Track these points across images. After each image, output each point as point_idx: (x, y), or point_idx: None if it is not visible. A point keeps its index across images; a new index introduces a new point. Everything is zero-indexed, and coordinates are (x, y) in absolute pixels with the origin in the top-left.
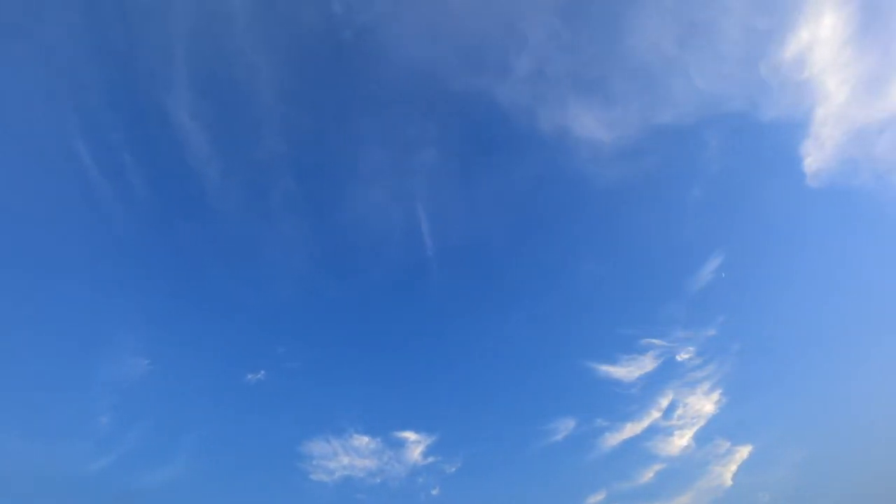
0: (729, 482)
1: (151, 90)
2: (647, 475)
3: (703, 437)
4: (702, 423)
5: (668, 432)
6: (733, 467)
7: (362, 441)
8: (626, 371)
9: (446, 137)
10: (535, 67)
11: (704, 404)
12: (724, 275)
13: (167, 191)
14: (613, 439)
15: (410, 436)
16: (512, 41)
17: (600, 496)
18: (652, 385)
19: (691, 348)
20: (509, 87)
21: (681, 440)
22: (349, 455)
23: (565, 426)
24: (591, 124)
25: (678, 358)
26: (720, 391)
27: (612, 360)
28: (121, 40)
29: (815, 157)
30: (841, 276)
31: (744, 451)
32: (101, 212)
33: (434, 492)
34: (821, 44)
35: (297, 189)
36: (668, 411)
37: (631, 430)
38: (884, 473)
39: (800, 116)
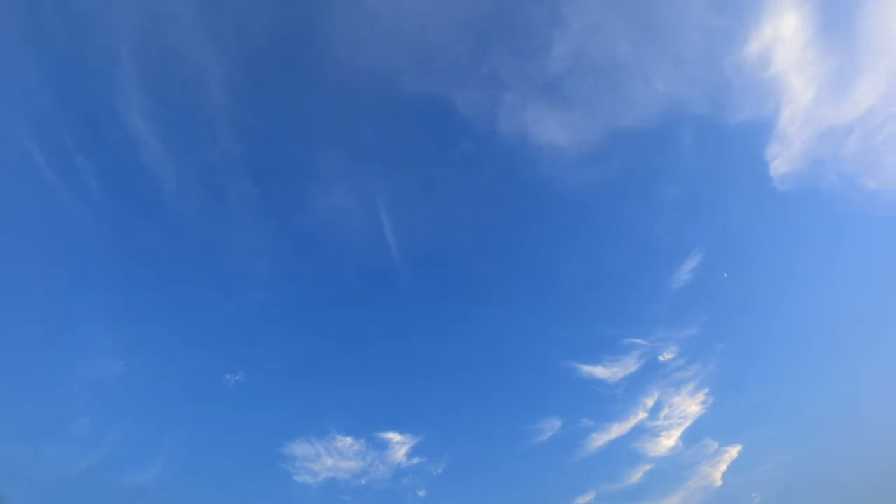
0: (719, 482)
1: (100, 92)
2: (636, 476)
3: (690, 438)
4: (688, 423)
5: (655, 433)
6: (723, 467)
7: (345, 442)
8: (611, 372)
9: (405, 142)
10: (491, 71)
11: (690, 404)
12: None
13: (124, 192)
14: (600, 439)
15: (394, 437)
16: (465, 45)
17: (589, 497)
18: (636, 385)
19: (674, 348)
20: (466, 92)
21: (668, 440)
22: (333, 457)
23: (551, 426)
24: (553, 129)
25: (661, 358)
26: (706, 391)
27: (596, 361)
28: (66, 42)
29: (783, 159)
30: (816, 277)
31: (733, 451)
32: (60, 214)
33: (420, 493)
34: (784, 42)
35: (256, 191)
36: (654, 411)
37: (617, 430)
38: (873, 470)
39: (766, 118)
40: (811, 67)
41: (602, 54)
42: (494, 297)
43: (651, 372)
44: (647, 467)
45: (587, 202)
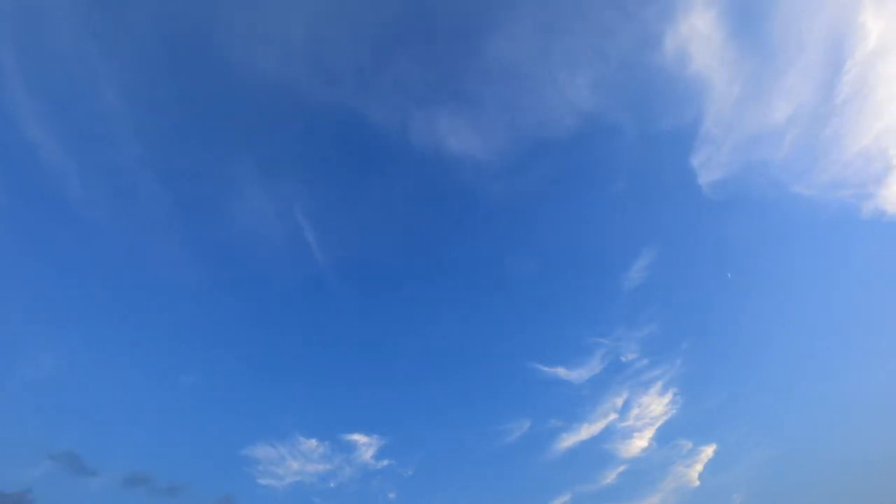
0: (696, 482)
1: None
2: (610, 477)
3: (663, 438)
4: (660, 423)
5: (627, 434)
6: (699, 467)
7: (310, 444)
8: (576, 373)
9: (316, 151)
10: (395, 79)
11: (659, 404)
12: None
13: (25, 198)
14: (570, 440)
15: (360, 438)
16: (365, 53)
17: (565, 498)
18: (603, 386)
19: (636, 347)
20: (371, 100)
21: (640, 441)
22: (297, 459)
23: (520, 427)
24: (471, 139)
25: (624, 358)
26: (674, 390)
27: (559, 362)
28: None
29: (710, 167)
30: (764, 281)
31: (708, 451)
32: None
33: (391, 495)
34: (700, 42)
35: (167, 195)
36: (624, 412)
37: (587, 431)
38: (853, 465)
39: (689, 123)
40: (730, 70)
41: (512, 63)
42: (440, 300)
43: (616, 372)
44: (622, 468)
45: (512, 210)
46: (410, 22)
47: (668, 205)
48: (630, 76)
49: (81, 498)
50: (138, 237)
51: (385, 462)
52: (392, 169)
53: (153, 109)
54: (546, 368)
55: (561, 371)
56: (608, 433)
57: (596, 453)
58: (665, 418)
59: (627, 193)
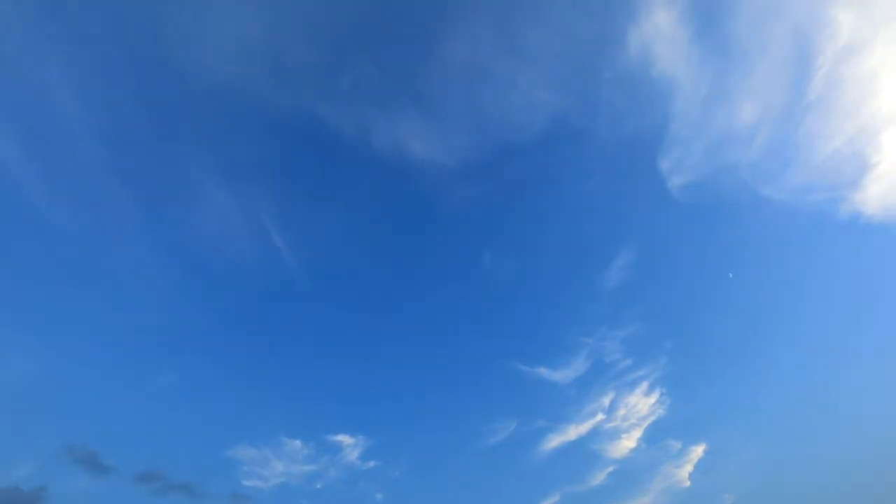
0: (687, 482)
1: None
2: (599, 477)
3: (651, 438)
4: (647, 423)
5: (615, 434)
6: (689, 467)
7: (294, 445)
8: (561, 374)
9: (278, 156)
10: (353, 83)
11: (646, 404)
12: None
13: None
14: (556, 440)
15: (345, 439)
16: (322, 56)
17: (554, 499)
18: (588, 386)
19: (619, 347)
20: (329, 104)
21: (629, 442)
22: (282, 460)
23: (506, 427)
24: (433, 143)
25: (608, 358)
26: (661, 390)
27: (544, 362)
28: None
29: (680, 170)
30: (742, 281)
31: (698, 451)
32: None
33: (378, 496)
34: (663, 44)
35: (130, 198)
36: (610, 413)
37: (575, 431)
38: (845, 463)
39: (657, 125)
40: (696, 71)
41: (472, 64)
42: (419, 302)
43: (601, 373)
44: (610, 469)
45: (483, 213)
46: (367, 24)
47: (640, 207)
48: (594, 76)
49: None
50: (104, 241)
51: (372, 463)
52: (357, 173)
53: (111, 112)
54: (531, 369)
55: (546, 371)
56: (595, 434)
57: (584, 454)
58: (653, 418)
59: (599, 196)
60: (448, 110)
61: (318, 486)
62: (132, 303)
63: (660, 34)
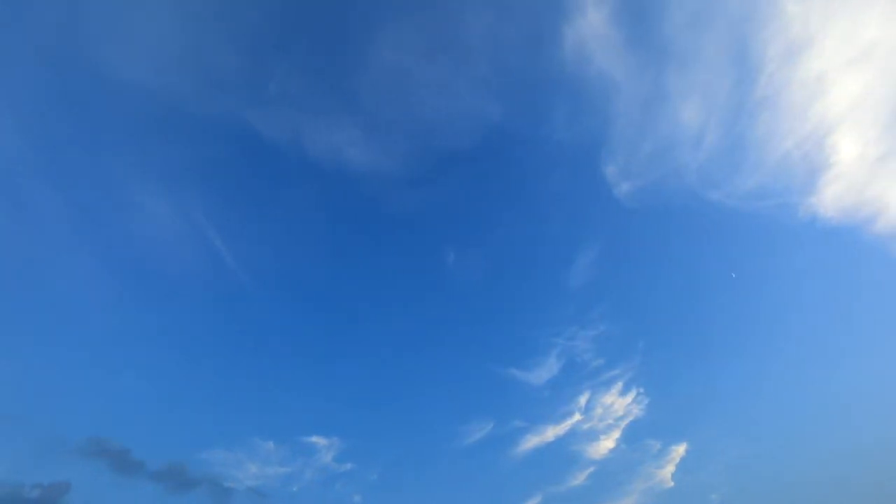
0: (670, 483)
1: None
2: (580, 478)
3: (630, 438)
4: (626, 423)
5: (593, 435)
6: (671, 467)
7: (268, 447)
8: (534, 375)
9: (211, 162)
10: (280, 90)
11: (623, 404)
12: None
13: None
14: (534, 441)
15: (319, 441)
16: (245, 64)
17: (536, 500)
18: (562, 386)
19: (590, 346)
20: (258, 111)
21: (607, 442)
22: (255, 462)
23: (482, 427)
24: (371, 151)
25: (580, 358)
26: (638, 390)
27: (515, 363)
28: None
29: (624, 177)
30: (708, 282)
31: (679, 450)
32: None
33: (356, 498)
34: (598, 39)
35: (58, 202)
36: (587, 413)
37: (553, 432)
38: (829, 460)
39: (598, 130)
40: (635, 72)
41: (400, 71)
42: (381, 305)
43: (573, 372)
44: (591, 469)
45: (432, 219)
46: (288, 29)
47: (593, 211)
48: (529, 78)
49: None
50: (35, 245)
51: (348, 465)
52: (294, 179)
53: (33, 115)
54: (504, 369)
55: (518, 372)
56: (573, 434)
57: (563, 455)
58: (630, 419)
59: (552, 198)
60: (383, 117)
61: (294, 489)
62: (75, 309)
63: (594, 34)
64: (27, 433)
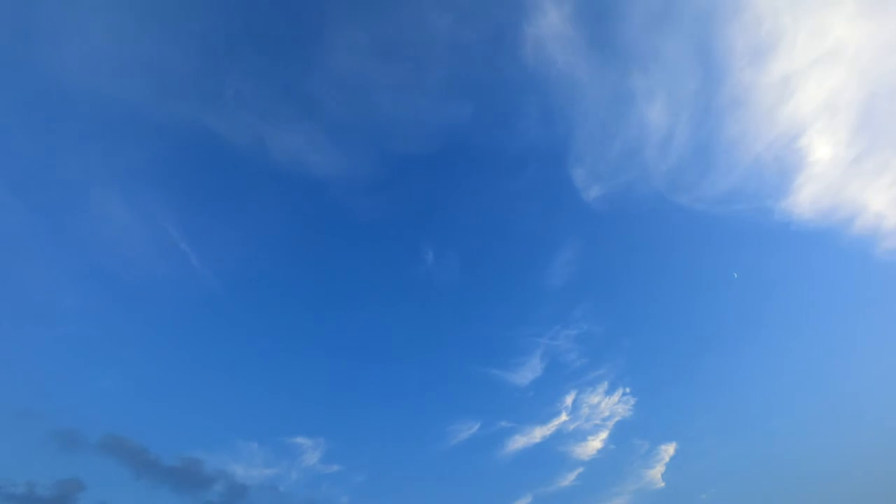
0: (661, 483)
1: None
2: (569, 478)
3: (618, 438)
4: (613, 423)
5: (580, 435)
6: (660, 467)
7: (251, 448)
8: (518, 375)
9: (173, 168)
10: (235, 94)
11: (609, 404)
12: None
13: None
14: (521, 441)
15: (304, 441)
16: (198, 69)
17: (526, 500)
18: (547, 387)
19: (573, 346)
20: (215, 115)
21: (595, 442)
22: (240, 463)
23: (468, 428)
24: (333, 157)
25: (563, 358)
26: (624, 390)
27: (499, 364)
28: None
29: (592, 180)
30: (687, 282)
31: (668, 450)
32: None
33: (343, 499)
34: (559, 40)
35: (21, 206)
36: (574, 413)
37: (540, 432)
38: (817, 456)
39: (563, 133)
40: (598, 75)
41: (356, 74)
42: (357, 306)
43: (558, 372)
44: (580, 470)
45: (404, 222)
46: (240, 33)
47: (564, 213)
48: (491, 78)
49: None
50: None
51: (335, 467)
52: (256, 183)
53: None
54: (488, 370)
55: (503, 372)
56: (561, 435)
57: (551, 455)
58: (617, 418)
59: (522, 200)
60: (345, 121)
61: (281, 490)
62: (45, 311)
63: (555, 34)
64: None
